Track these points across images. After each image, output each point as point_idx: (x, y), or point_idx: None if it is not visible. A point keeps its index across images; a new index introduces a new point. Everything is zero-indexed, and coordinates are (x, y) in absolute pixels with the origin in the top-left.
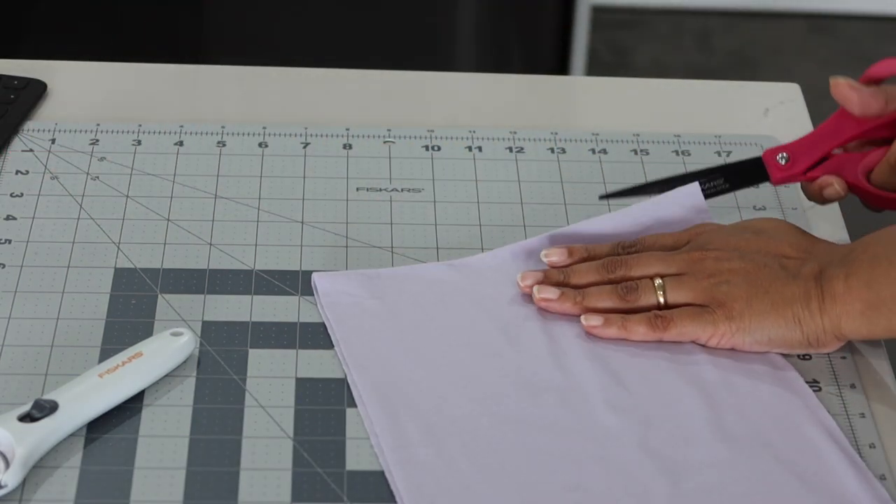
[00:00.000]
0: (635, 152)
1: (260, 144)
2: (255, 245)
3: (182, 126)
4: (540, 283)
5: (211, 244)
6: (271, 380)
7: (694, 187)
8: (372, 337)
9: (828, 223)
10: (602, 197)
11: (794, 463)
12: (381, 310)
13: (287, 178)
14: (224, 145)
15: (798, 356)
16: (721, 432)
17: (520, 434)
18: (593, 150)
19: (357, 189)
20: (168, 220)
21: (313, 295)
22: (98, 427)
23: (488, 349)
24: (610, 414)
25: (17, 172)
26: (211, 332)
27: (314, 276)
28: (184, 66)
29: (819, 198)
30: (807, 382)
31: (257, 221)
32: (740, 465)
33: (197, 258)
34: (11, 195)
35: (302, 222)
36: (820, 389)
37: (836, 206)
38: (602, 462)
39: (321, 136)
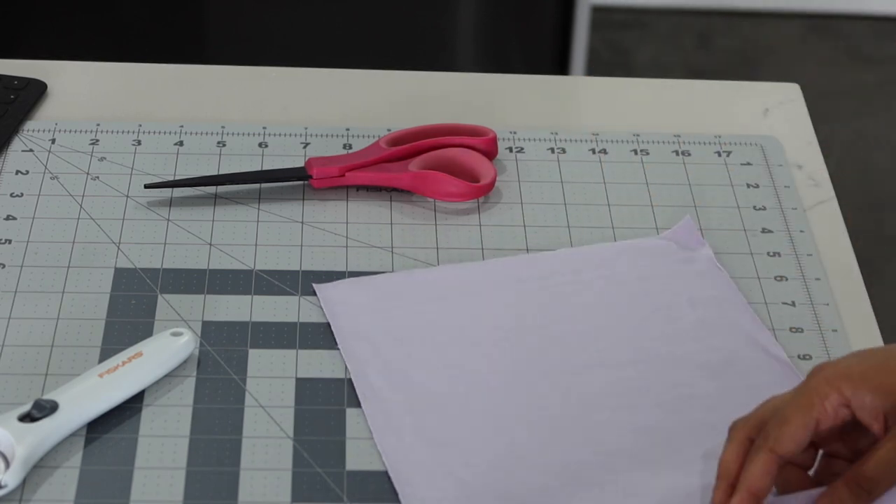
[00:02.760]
0: (635, 152)
1: (260, 144)
2: (255, 245)
3: (182, 126)
4: None
5: (211, 244)
6: (271, 380)
7: (687, 222)
8: (374, 339)
9: (828, 224)
10: (148, 186)
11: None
12: (383, 313)
13: None
14: (224, 145)
15: (798, 356)
16: (720, 433)
17: (521, 435)
18: (593, 150)
19: (357, 189)
20: (168, 220)
21: (313, 295)
22: (98, 427)
23: (490, 353)
24: (611, 418)
25: (17, 172)
26: (211, 332)
27: (316, 287)
28: (184, 66)
29: None
30: None
31: (257, 221)
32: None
33: (197, 258)
34: (11, 195)
35: (302, 222)
36: None
37: (835, 207)
38: (602, 462)
39: (321, 135)
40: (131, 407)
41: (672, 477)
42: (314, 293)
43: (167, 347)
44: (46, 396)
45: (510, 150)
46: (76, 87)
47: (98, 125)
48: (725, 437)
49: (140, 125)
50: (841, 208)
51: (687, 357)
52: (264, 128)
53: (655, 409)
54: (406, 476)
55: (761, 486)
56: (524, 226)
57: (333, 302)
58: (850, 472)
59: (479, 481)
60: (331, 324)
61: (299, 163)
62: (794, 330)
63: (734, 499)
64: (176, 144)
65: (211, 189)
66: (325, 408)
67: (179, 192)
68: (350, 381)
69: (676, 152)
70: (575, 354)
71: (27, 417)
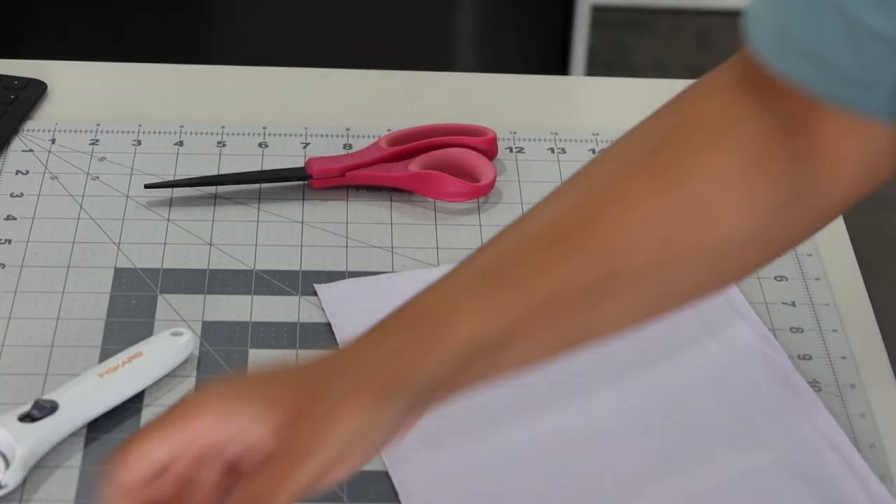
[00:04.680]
0: None
1: (260, 144)
2: (255, 245)
3: (182, 126)
4: None
5: (211, 244)
6: None
7: None
8: None
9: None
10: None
11: (794, 462)
12: (384, 314)
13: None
14: (224, 145)
15: (798, 356)
16: (720, 433)
17: (522, 436)
18: (593, 150)
19: (357, 189)
20: (168, 220)
21: (313, 295)
22: (98, 427)
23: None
24: (611, 418)
25: (17, 172)
26: (211, 332)
27: (317, 287)
28: (184, 66)
29: None
30: (807, 382)
31: (257, 221)
32: (740, 465)
33: (197, 258)
34: (11, 195)
35: (302, 222)
36: (820, 389)
37: None
38: (601, 464)
39: (321, 136)
40: (131, 407)
41: (673, 481)
42: (314, 293)
43: (167, 347)
44: (46, 396)
45: (510, 150)
46: (76, 87)
47: (98, 125)
48: (724, 449)
49: (140, 125)
50: None
51: (688, 361)
52: (264, 128)
53: (657, 411)
54: (407, 477)
55: None
56: None
57: (335, 302)
58: (238, 490)
59: (480, 482)
60: (331, 323)
61: (299, 163)
62: (794, 330)
63: None
64: (176, 144)
65: (211, 189)
66: None
67: (179, 192)
68: None
69: None
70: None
71: (27, 417)
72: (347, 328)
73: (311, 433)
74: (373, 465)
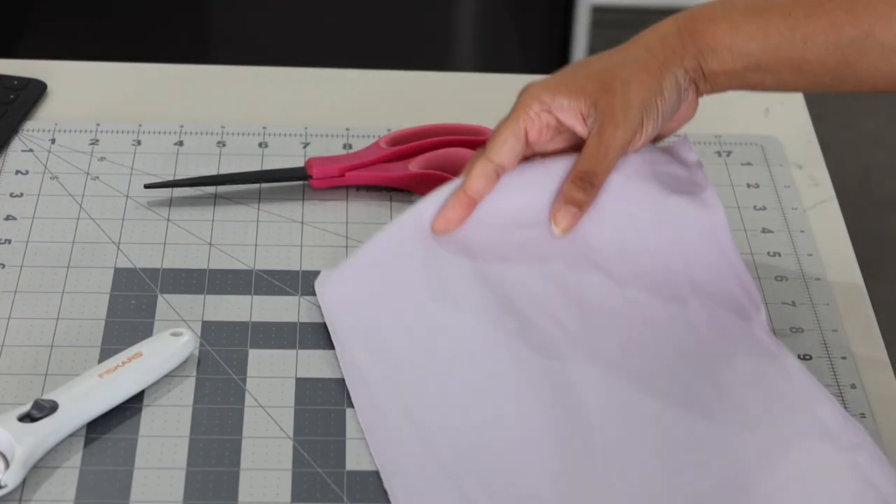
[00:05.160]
0: None
1: (260, 144)
2: (255, 245)
3: (182, 126)
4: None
5: (211, 244)
6: (271, 380)
7: (685, 142)
8: (364, 338)
9: (828, 224)
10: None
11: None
12: (372, 308)
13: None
14: (224, 145)
15: (798, 356)
16: (701, 400)
17: (514, 437)
18: None
19: (357, 189)
20: (168, 220)
21: (313, 295)
22: (98, 427)
23: (474, 343)
24: (605, 415)
25: (17, 172)
26: (211, 332)
27: (317, 283)
28: (184, 66)
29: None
30: None
31: (257, 221)
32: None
33: (197, 258)
34: (11, 195)
35: (302, 222)
36: None
37: (836, 207)
38: (595, 461)
39: (321, 135)
40: (131, 407)
41: (668, 482)
42: (314, 293)
43: (167, 347)
44: (46, 396)
45: None
46: (76, 87)
47: (98, 125)
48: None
49: (140, 125)
50: (841, 208)
51: (684, 362)
52: (264, 128)
53: (652, 412)
54: (397, 476)
55: (477, 188)
56: None
57: (324, 289)
58: (571, 171)
59: (471, 482)
60: (327, 320)
61: (299, 163)
62: (794, 330)
63: (451, 198)
64: (176, 144)
65: (211, 189)
66: (325, 408)
67: (179, 192)
68: None
69: None
70: (578, 344)
71: (27, 417)
72: (340, 324)
73: (616, 106)
74: (373, 465)
